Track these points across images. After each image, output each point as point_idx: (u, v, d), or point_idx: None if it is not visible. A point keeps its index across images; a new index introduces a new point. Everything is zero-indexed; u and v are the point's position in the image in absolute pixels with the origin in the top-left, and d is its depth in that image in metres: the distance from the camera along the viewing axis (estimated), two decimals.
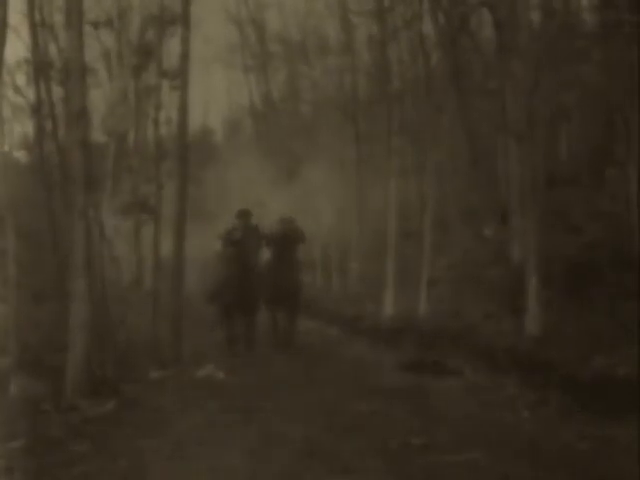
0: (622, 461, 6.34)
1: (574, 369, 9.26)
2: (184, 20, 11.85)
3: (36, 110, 13.27)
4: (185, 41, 11.81)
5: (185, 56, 11.85)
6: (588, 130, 15.82)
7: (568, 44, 13.26)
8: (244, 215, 12.69)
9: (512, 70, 13.26)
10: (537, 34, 12.72)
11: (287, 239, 12.68)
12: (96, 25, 14.13)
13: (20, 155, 15.89)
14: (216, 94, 24.94)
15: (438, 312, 13.84)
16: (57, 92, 13.12)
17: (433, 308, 14.15)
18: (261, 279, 12.69)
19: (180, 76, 12.09)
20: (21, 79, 13.65)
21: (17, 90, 13.49)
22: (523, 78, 12.14)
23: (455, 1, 16.55)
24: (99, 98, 14.54)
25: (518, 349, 10.66)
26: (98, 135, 14.24)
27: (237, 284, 12.42)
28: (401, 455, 6.68)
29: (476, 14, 16.89)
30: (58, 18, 13.53)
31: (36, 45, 13.11)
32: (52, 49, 13.81)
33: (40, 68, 13.07)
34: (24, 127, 14.55)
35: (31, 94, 13.36)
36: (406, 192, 16.67)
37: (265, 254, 12.84)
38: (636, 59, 11.18)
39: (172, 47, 13.36)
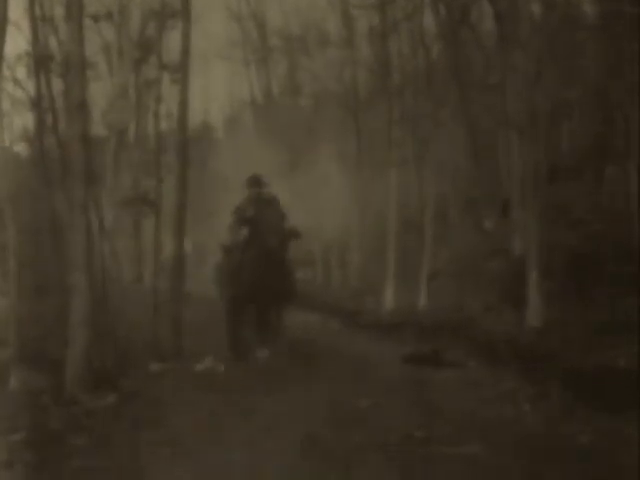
0: (622, 455, 6.33)
1: (575, 362, 9.26)
2: (184, 14, 11.83)
3: (36, 103, 13.21)
4: (186, 35, 11.79)
5: (185, 50, 11.83)
6: (589, 123, 15.82)
7: (569, 36, 13.24)
8: (255, 183, 10.82)
9: (513, 63, 13.24)
10: (538, 26, 12.68)
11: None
12: (96, 18, 14.12)
13: (20, 149, 15.85)
14: (216, 88, 24.86)
15: (439, 305, 13.85)
16: (57, 85, 13.07)
17: (434, 301, 14.17)
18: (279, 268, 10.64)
19: (180, 70, 12.07)
20: (21, 72, 13.58)
21: (17, 83, 13.43)
22: (524, 71, 12.12)
23: None
24: (99, 92, 14.54)
25: (519, 342, 10.67)
26: (98, 129, 14.25)
27: (251, 272, 10.37)
28: (402, 448, 6.68)
29: (477, 6, 16.86)
30: (58, 11, 13.49)
31: (36, 38, 13.06)
32: (52, 42, 13.76)
33: (40, 61, 13.01)
34: (24, 120, 14.49)
35: (31, 87, 13.30)
36: (407, 185, 16.66)
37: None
38: (636, 52, 11.17)
39: (172, 41, 13.33)
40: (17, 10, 12.50)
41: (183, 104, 11.80)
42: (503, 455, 6.39)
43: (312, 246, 18.28)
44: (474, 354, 10.59)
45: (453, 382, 9.42)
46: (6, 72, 11.38)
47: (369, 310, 15.27)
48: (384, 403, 8.29)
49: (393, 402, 8.34)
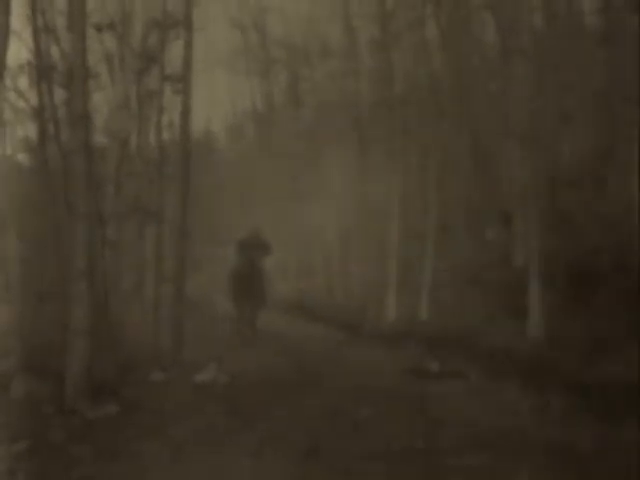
0: (623, 463, 6.32)
1: (575, 372, 9.25)
2: (187, 24, 11.88)
3: (38, 113, 13.24)
4: (188, 45, 11.84)
5: (188, 60, 11.88)
6: (590, 133, 15.83)
7: (570, 46, 13.27)
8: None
9: (515, 73, 13.28)
10: (539, 37, 12.72)
11: None
12: (99, 28, 14.12)
13: (22, 158, 15.87)
14: (219, 98, 24.92)
15: (440, 315, 13.83)
16: (59, 95, 13.10)
17: (435, 311, 14.15)
18: None
19: (183, 80, 12.10)
20: (23, 82, 13.62)
21: (19, 93, 13.45)
22: (526, 81, 12.15)
23: (457, 4, 16.56)
24: (101, 101, 14.54)
25: (520, 352, 10.65)
26: (100, 138, 14.25)
27: None
28: (403, 459, 6.68)
29: (478, 17, 16.91)
30: (61, 21, 13.53)
31: (38, 48, 13.09)
32: (55, 52, 13.80)
33: (42, 71, 13.04)
34: (26, 130, 14.52)
35: (33, 97, 13.33)
36: (409, 195, 16.68)
37: None
38: (637, 60, 11.18)
39: (175, 51, 13.37)
40: (19, 20, 12.55)
41: (185, 114, 11.83)
42: (505, 465, 6.38)
43: (314, 256, 18.28)
44: (476, 364, 10.57)
45: (455, 392, 9.41)
46: (8, 82, 11.41)
47: (371, 320, 15.25)
48: (385, 413, 8.28)
49: (394, 412, 8.33)
